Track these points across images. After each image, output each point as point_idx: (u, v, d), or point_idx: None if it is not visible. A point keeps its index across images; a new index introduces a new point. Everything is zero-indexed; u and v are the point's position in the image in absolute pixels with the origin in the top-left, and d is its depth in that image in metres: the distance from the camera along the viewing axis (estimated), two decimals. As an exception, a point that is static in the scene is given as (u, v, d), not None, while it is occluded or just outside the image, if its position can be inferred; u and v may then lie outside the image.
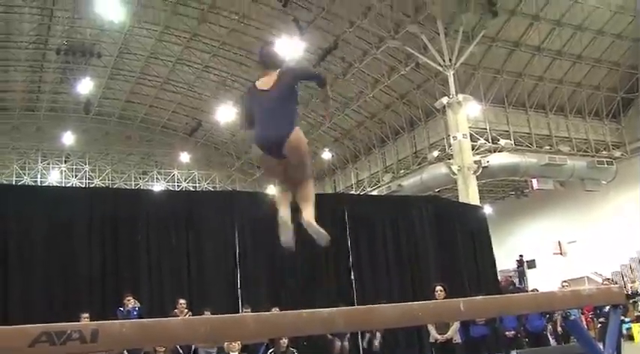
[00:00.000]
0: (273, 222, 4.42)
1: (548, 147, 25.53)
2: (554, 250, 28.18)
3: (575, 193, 26.38)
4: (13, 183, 29.42)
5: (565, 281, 17.24)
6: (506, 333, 12.89)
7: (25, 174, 31.97)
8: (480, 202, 21.44)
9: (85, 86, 28.19)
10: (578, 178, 25.39)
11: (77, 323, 3.38)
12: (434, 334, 9.96)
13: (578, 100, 26.59)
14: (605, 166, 25.05)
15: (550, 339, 15.33)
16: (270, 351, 10.68)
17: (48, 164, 33.18)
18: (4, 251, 11.06)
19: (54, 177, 32.90)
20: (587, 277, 25.33)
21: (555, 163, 24.20)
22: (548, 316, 13.76)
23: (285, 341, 10.62)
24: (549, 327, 15.31)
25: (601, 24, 23.85)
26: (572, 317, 4.70)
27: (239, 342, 9.76)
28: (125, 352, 10.13)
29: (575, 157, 25.37)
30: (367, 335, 13.09)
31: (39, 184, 30.53)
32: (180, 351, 10.58)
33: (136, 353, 10.35)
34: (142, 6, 24.68)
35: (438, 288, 9.93)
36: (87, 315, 9.53)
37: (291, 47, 23.71)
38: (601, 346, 5.17)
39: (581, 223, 26.78)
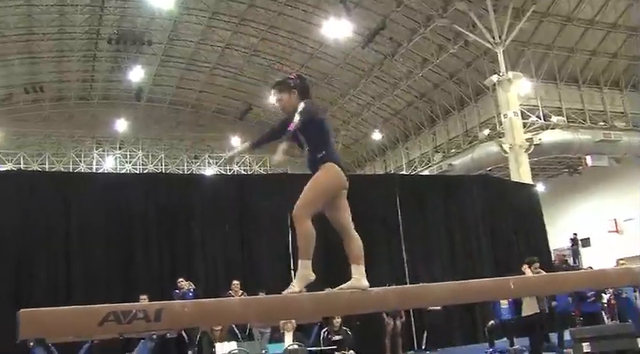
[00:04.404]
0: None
1: (602, 123, 24.94)
2: (609, 228, 27.64)
3: (631, 170, 25.77)
4: (70, 170, 30.12)
5: (621, 259, 16.95)
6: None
7: (81, 161, 32.65)
8: (533, 180, 21.17)
9: (137, 74, 28.83)
10: (634, 155, 24.81)
11: (142, 303, 3.56)
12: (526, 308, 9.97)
13: (634, 74, 25.90)
14: (663, 141, 24.37)
15: (605, 318, 15.12)
16: (324, 330, 10.83)
17: (103, 151, 33.78)
18: (66, 237, 11.51)
19: (109, 164, 33.52)
20: (645, 255, 24.78)
21: (610, 140, 23.66)
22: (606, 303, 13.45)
23: (338, 320, 10.76)
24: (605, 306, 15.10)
25: (659, -6, 23.14)
26: (625, 295, 4.67)
27: (294, 321, 9.92)
28: (183, 332, 10.47)
29: (631, 132, 24.72)
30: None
31: (94, 170, 31.17)
32: (236, 331, 10.81)
33: (193, 332, 10.67)
34: (190, -7, 24.96)
35: (537, 264, 9.80)
36: (145, 297, 9.78)
37: (339, 29, 23.70)
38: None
39: (638, 200, 26.16)
